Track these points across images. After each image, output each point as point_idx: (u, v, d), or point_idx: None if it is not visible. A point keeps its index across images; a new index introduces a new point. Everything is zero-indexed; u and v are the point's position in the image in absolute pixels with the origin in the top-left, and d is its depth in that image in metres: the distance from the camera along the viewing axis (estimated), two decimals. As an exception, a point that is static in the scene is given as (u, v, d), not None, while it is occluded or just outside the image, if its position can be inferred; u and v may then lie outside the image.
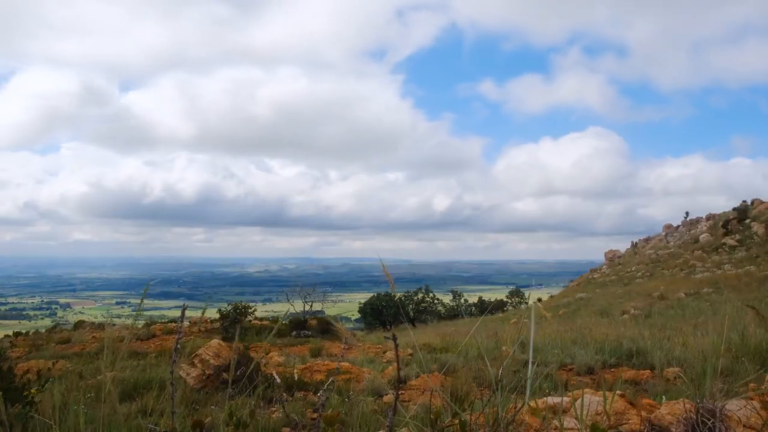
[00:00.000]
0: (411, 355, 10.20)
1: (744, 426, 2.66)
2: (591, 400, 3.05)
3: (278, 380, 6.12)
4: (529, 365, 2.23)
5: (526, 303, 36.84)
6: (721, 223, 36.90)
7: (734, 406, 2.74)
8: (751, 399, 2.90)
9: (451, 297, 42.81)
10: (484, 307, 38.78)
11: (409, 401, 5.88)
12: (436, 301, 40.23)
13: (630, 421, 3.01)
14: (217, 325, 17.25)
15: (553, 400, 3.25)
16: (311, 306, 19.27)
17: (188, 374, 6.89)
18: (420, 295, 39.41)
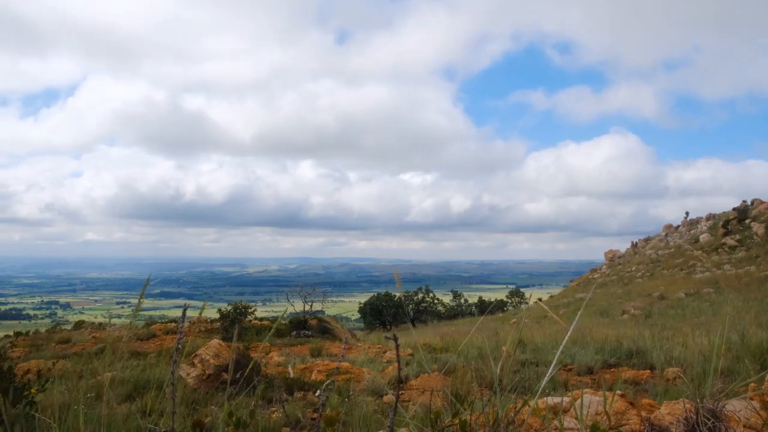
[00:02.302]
0: (411, 355, 10.21)
1: (744, 426, 2.66)
2: (591, 400, 3.05)
3: (290, 373, 6.13)
4: (553, 363, 2.23)
5: (527, 303, 36.84)
6: (721, 223, 36.90)
7: (734, 407, 2.74)
8: (752, 399, 2.90)
9: (451, 297, 42.84)
10: (484, 307, 38.80)
11: (409, 401, 5.88)
12: (436, 301, 40.24)
13: (630, 422, 3.01)
14: (217, 325, 17.25)
15: (553, 400, 3.25)
16: (311, 306, 19.26)
17: (188, 374, 6.89)
18: (420, 295, 39.42)
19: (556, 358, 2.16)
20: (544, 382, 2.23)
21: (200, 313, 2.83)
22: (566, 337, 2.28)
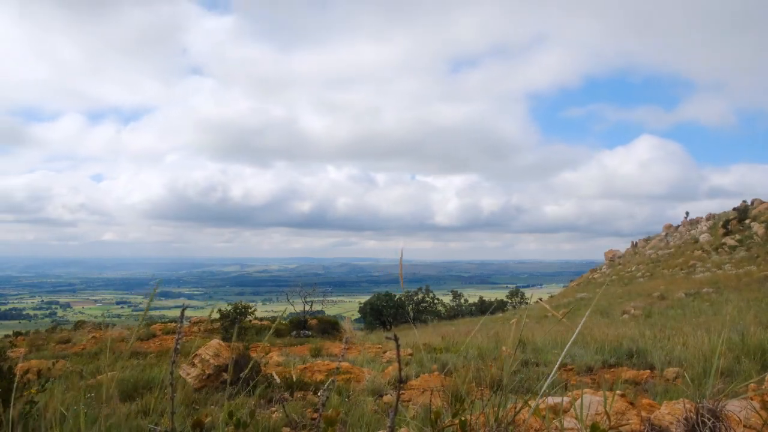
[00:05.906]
0: (411, 354, 10.20)
1: (744, 426, 2.66)
2: (591, 400, 3.05)
3: (277, 380, 6.13)
4: (556, 366, 2.22)
5: (527, 303, 36.85)
6: (721, 223, 36.89)
7: (734, 407, 2.74)
8: (752, 399, 2.90)
9: (451, 297, 42.85)
10: (484, 307, 38.81)
11: (409, 401, 5.88)
12: (436, 301, 40.24)
13: (630, 422, 3.01)
14: (217, 325, 17.25)
15: (553, 400, 3.25)
16: (311, 306, 19.26)
17: (188, 374, 6.89)
18: (420, 295, 39.43)
19: (559, 362, 2.15)
20: (546, 384, 2.23)
21: (210, 315, 2.82)
22: (573, 338, 2.27)
